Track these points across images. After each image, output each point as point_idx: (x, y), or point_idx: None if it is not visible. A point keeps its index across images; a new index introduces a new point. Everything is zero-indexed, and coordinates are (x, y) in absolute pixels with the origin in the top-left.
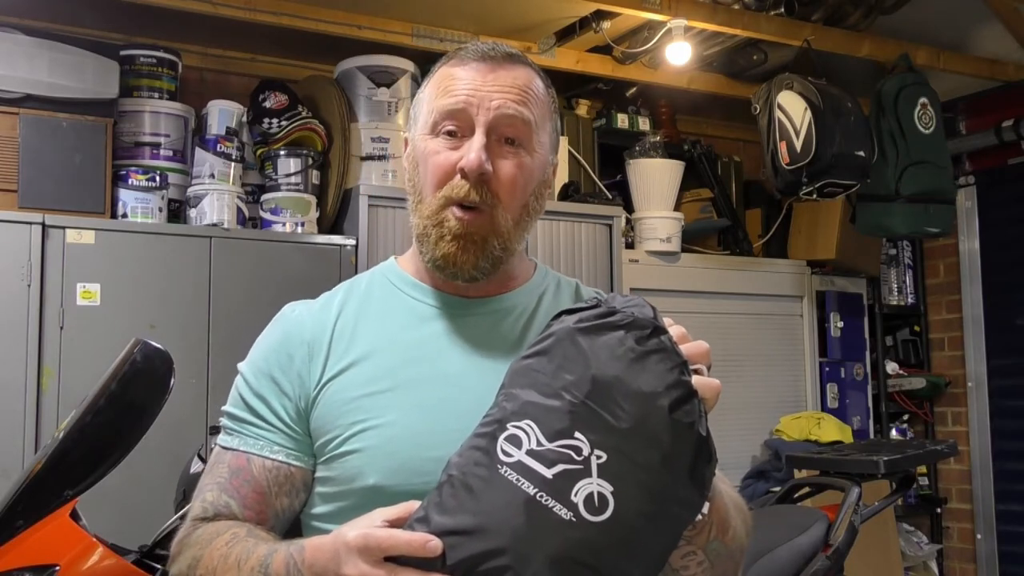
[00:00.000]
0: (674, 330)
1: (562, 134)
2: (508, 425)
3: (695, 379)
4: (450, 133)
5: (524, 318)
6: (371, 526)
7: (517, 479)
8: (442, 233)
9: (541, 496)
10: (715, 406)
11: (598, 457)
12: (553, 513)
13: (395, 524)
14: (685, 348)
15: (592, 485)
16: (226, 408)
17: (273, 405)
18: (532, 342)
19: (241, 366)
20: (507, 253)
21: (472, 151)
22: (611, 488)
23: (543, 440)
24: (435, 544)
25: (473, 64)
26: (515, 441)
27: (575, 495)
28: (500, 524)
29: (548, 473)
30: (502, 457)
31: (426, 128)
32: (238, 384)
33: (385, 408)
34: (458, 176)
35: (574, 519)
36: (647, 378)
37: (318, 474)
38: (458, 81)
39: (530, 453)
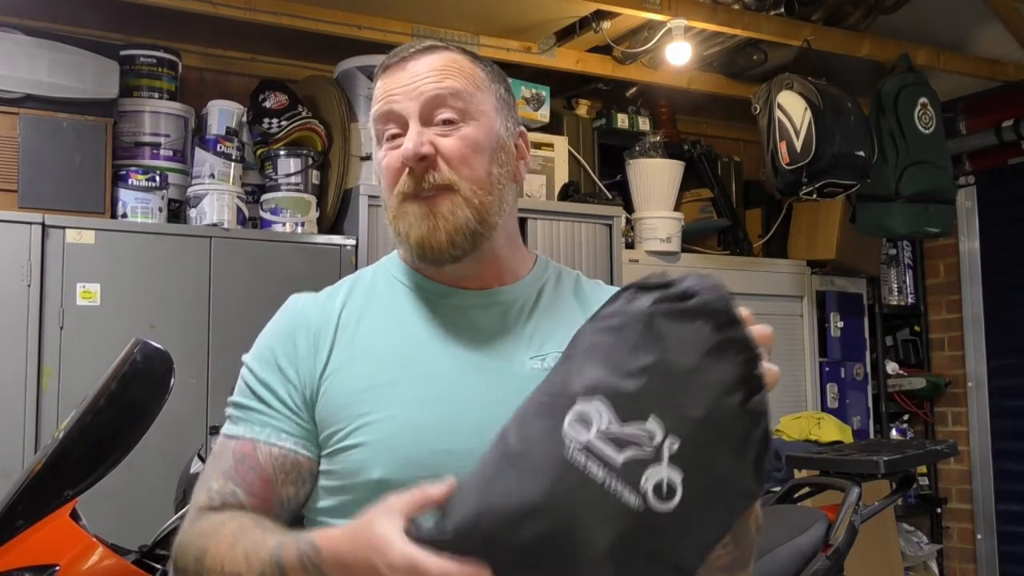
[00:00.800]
0: (742, 312)
1: (562, 134)
2: (577, 400)
3: (764, 366)
4: (393, 136)
5: (526, 310)
6: (398, 533)
7: (585, 462)
8: (409, 222)
9: (609, 483)
10: (774, 387)
11: (671, 445)
12: (621, 501)
13: (417, 510)
14: (752, 332)
15: (663, 472)
16: (231, 398)
17: (279, 392)
18: (599, 315)
19: (246, 357)
20: (486, 227)
21: (407, 140)
22: (681, 476)
23: (614, 422)
24: None
25: (391, 70)
26: (584, 421)
27: (645, 482)
28: (564, 506)
29: (619, 458)
30: (571, 433)
31: (376, 141)
32: (243, 374)
33: (389, 402)
34: (406, 171)
35: (642, 507)
36: (724, 368)
37: (322, 467)
38: (388, 87)
39: (600, 434)
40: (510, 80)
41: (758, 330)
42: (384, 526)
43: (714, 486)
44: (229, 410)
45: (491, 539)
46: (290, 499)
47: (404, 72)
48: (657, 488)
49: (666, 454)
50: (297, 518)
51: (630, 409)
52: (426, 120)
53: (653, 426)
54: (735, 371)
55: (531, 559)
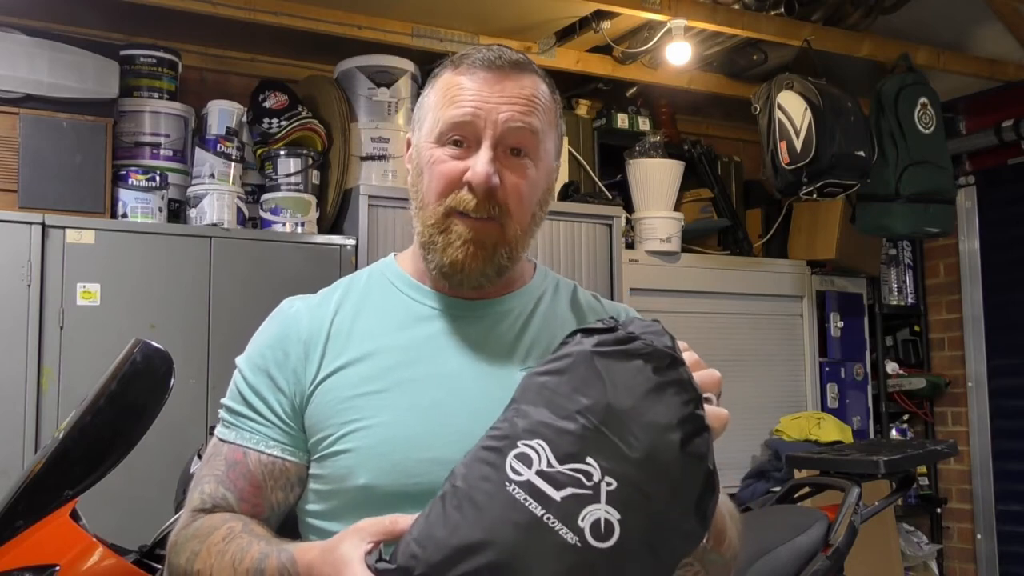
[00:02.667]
0: (687, 356)
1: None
2: (519, 443)
3: (707, 409)
4: (456, 143)
5: (521, 320)
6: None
7: (525, 499)
8: (450, 240)
9: (548, 519)
10: (722, 434)
11: (608, 484)
12: (559, 536)
13: (383, 536)
14: (697, 376)
15: (600, 511)
16: (224, 401)
17: (269, 401)
18: (546, 359)
19: (239, 360)
20: (512, 262)
21: (479, 164)
22: (618, 516)
23: (554, 462)
24: None
25: (480, 74)
26: (525, 460)
27: (582, 520)
28: (504, 542)
29: (557, 496)
30: (511, 475)
31: (431, 136)
32: (235, 379)
33: (379, 408)
34: (465, 189)
35: (579, 544)
36: (662, 410)
37: (312, 471)
38: (464, 91)
39: (540, 474)
40: None
41: (706, 375)
42: (347, 549)
43: (653, 527)
44: (222, 413)
45: (438, 571)
46: (280, 503)
47: (494, 86)
48: (595, 526)
49: (603, 493)
50: (290, 516)
51: (568, 450)
52: (499, 144)
53: (590, 467)
54: (674, 412)
55: None
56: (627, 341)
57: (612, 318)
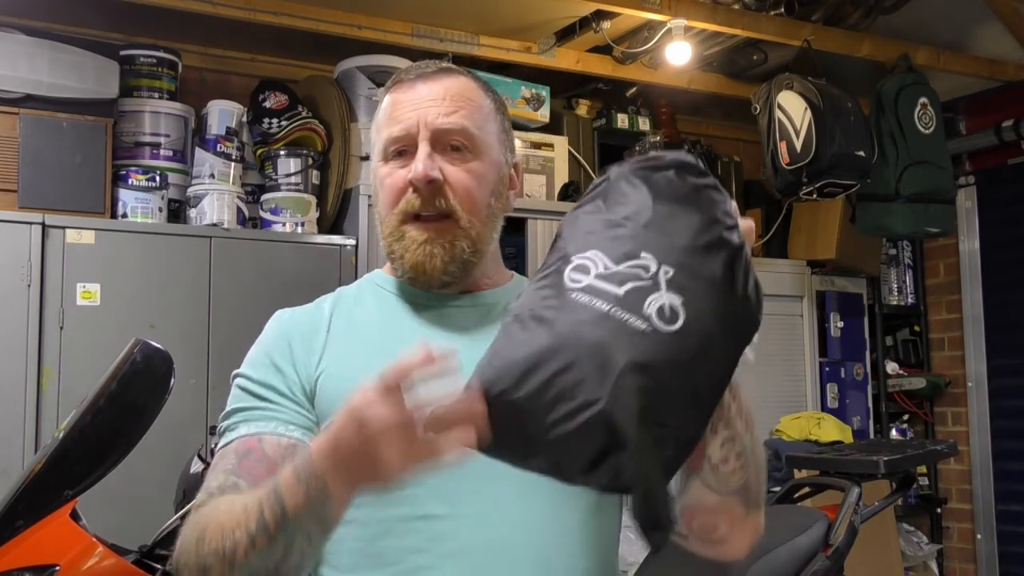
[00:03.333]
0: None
1: (562, 134)
2: (573, 258)
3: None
4: (399, 154)
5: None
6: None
7: (590, 300)
8: (406, 245)
9: (615, 311)
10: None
11: (666, 272)
12: (628, 324)
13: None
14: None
15: (663, 297)
16: (225, 411)
17: (279, 387)
18: (579, 201)
19: (237, 371)
20: (477, 256)
21: (417, 162)
22: (680, 300)
23: (610, 264)
24: (442, 356)
25: (410, 84)
26: (582, 269)
27: (647, 307)
28: (576, 341)
29: (620, 291)
30: (571, 285)
31: (379, 156)
32: (237, 384)
33: None
34: (410, 191)
35: (649, 329)
36: (703, 207)
37: None
38: (400, 105)
39: (599, 276)
40: (510, 80)
41: (743, 222)
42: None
43: (712, 309)
44: (224, 423)
45: (515, 386)
46: None
47: (417, 92)
48: (660, 311)
49: (663, 281)
50: None
51: (622, 250)
52: (436, 145)
53: (647, 260)
54: (713, 208)
55: (555, 396)
56: (658, 159)
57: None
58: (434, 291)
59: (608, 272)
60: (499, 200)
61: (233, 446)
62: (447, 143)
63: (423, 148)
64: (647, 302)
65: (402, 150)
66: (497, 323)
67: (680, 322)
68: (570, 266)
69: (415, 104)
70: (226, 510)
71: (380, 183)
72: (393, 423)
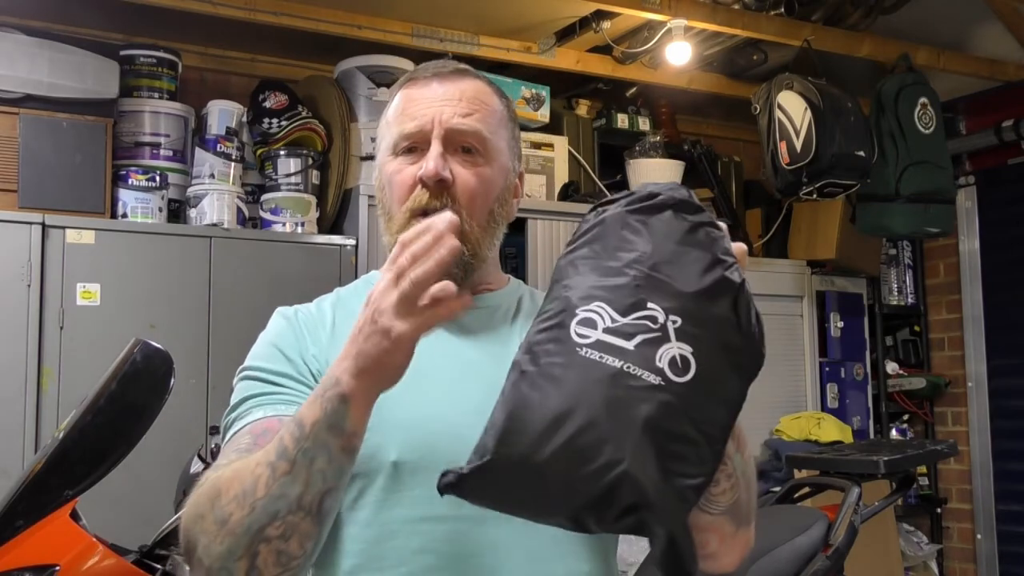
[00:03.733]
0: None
1: (562, 134)
2: (577, 311)
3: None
4: (409, 150)
5: (510, 314)
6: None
7: (600, 356)
8: None
9: (628, 367)
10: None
11: (674, 322)
12: (642, 380)
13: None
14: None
15: (673, 349)
16: (232, 404)
17: (291, 373)
18: (572, 238)
19: (242, 367)
20: (477, 260)
21: (429, 160)
22: (691, 349)
23: (617, 316)
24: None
25: (426, 82)
26: (589, 323)
27: (660, 360)
28: (592, 401)
29: (630, 345)
30: (579, 340)
31: (388, 150)
32: (244, 376)
33: (394, 391)
34: (420, 187)
35: (663, 383)
36: (701, 248)
37: None
38: (414, 102)
39: (607, 331)
40: (510, 80)
41: (735, 246)
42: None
43: (721, 353)
44: (233, 413)
45: (533, 450)
46: None
47: (432, 90)
48: (672, 363)
49: (672, 331)
50: None
51: (628, 302)
52: (448, 145)
53: (653, 310)
54: (714, 247)
55: (576, 458)
56: (652, 197)
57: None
58: None
59: (616, 325)
60: (503, 207)
61: (248, 427)
62: (459, 144)
63: (436, 146)
64: (658, 355)
65: (413, 147)
66: (501, 324)
67: (692, 371)
68: (576, 319)
69: (430, 102)
70: (241, 465)
71: (388, 179)
72: (400, 300)
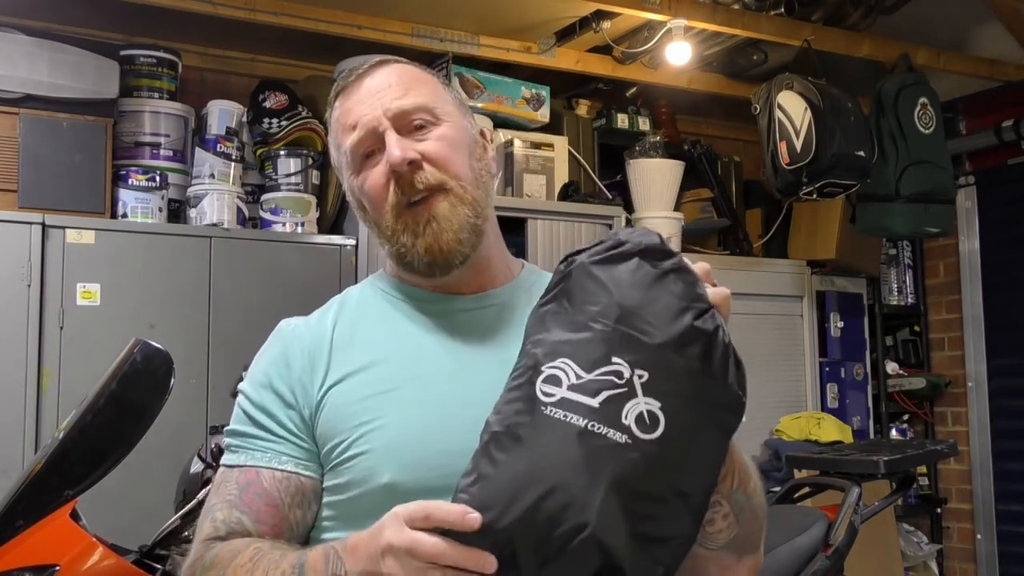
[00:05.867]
0: (699, 267)
1: (562, 134)
2: (543, 368)
3: (709, 290)
4: (369, 155)
5: (518, 312)
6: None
7: (564, 415)
8: (415, 231)
9: (592, 426)
10: (729, 315)
11: (639, 376)
12: (608, 439)
13: (422, 523)
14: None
15: (640, 404)
16: (229, 427)
17: (278, 416)
18: (544, 293)
19: (242, 385)
20: (481, 219)
21: (392, 149)
22: (659, 404)
23: (581, 372)
24: (474, 517)
25: (354, 86)
26: (554, 381)
27: (626, 417)
28: (556, 462)
29: (595, 402)
30: (544, 399)
31: (351, 169)
32: (240, 402)
33: (390, 407)
34: (393, 183)
35: (629, 440)
36: (669, 295)
37: (327, 483)
38: (351, 112)
39: (572, 388)
40: (510, 80)
41: (716, 292)
42: (391, 522)
43: (694, 407)
44: (227, 440)
45: (501, 515)
46: (299, 522)
47: (364, 88)
48: (639, 419)
49: (638, 386)
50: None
51: (592, 357)
52: (400, 130)
53: (618, 365)
54: (681, 294)
55: (544, 523)
56: (618, 246)
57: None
58: (455, 271)
59: (580, 382)
60: (480, 162)
61: (235, 475)
62: (410, 124)
63: (391, 136)
64: (624, 411)
65: (369, 151)
66: (511, 324)
67: (661, 428)
68: (541, 376)
69: (365, 101)
70: (247, 569)
71: (361, 191)
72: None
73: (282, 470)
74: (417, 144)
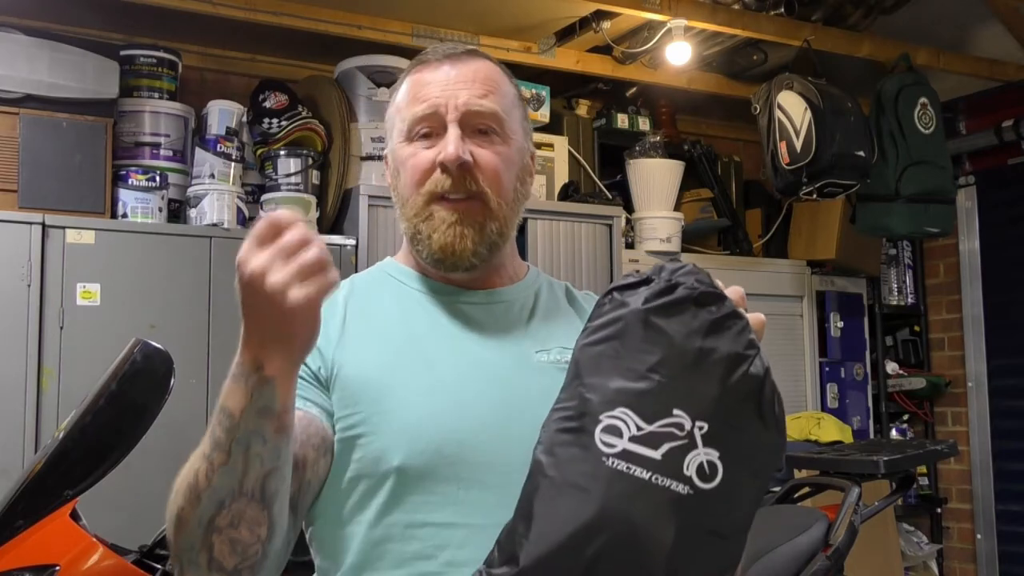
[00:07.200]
0: (733, 291)
1: (562, 134)
2: (601, 417)
3: (748, 316)
4: (425, 135)
5: (526, 310)
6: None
7: (628, 467)
8: (434, 225)
9: (656, 479)
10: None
11: (700, 428)
12: (672, 492)
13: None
14: (730, 297)
15: (700, 455)
16: None
17: (307, 363)
18: (591, 327)
19: None
20: (503, 239)
21: (449, 144)
22: (717, 453)
23: (642, 424)
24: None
25: (437, 65)
26: (614, 431)
27: (687, 469)
28: (621, 514)
29: (657, 455)
30: (605, 449)
31: (401, 137)
32: None
33: (402, 391)
34: (438, 171)
35: (691, 491)
36: (726, 343)
37: (337, 453)
38: (426, 86)
39: (633, 439)
40: None
41: (732, 291)
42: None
43: (747, 453)
44: None
45: (562, 562)
46: (312, 463)
47: (445, 72)
48: (700, 470)
49: (699, 437)
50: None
51: (653, 408)
52: (464, 128)
53: (679, 417)
54: (737, 342)
55: (605, 572)
56: (671, 290)
57: (637, 271)
58: (460, 273)
59: (641, 434)
60: (523, 186)
61: None
62: (476, 126)
63: (453, 130)
64: (686, 463)
65: (428, 131)
66: (514, 320)
67: (719, 477)
68: (600, 426)
69: (443, 84)
70: (189, 460)
71: (402, 163)
72: (270, 261)
73: (304, 410)
74: (474, 149)
